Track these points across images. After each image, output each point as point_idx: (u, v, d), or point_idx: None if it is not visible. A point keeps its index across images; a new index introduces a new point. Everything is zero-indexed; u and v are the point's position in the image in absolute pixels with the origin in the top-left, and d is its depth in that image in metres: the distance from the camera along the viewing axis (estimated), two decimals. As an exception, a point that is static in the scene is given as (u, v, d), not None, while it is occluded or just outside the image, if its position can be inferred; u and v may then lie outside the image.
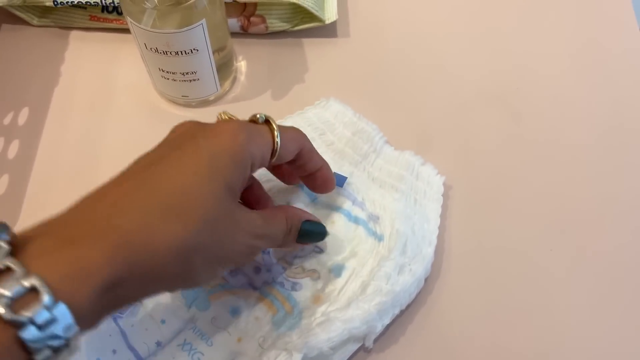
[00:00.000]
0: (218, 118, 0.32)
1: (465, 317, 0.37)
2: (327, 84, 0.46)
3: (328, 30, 0.48)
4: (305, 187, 0.35)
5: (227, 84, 0.44)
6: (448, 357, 0.35)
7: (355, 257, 0.35)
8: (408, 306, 0.35)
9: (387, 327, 0.35)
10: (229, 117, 0.32)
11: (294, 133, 0.32)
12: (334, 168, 0.38)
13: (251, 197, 0.33)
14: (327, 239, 0.34)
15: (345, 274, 0.34)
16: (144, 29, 0.36)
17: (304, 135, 0.32)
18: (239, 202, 0.29)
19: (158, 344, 0.32)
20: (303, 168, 0.33)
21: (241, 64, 0.46)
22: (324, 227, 0.33)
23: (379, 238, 0.35)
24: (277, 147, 0.30)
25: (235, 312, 0.33)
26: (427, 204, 0.38)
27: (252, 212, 0.29)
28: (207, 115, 0.44)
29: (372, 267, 0.34)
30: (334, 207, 0.37)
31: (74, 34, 0.48)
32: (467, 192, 0.41)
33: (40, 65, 0.46)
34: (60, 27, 0.48)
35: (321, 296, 0.33)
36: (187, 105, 0.44)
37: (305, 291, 0.33)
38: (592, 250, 0.39)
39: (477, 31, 0.49)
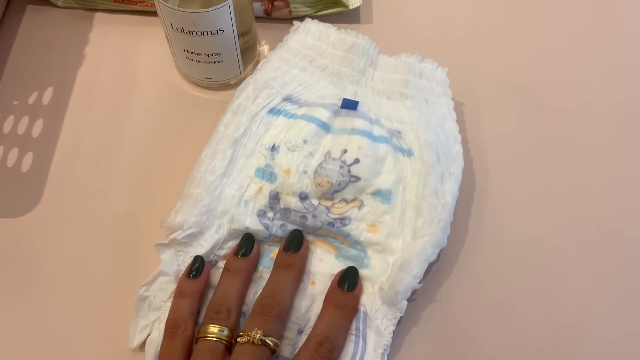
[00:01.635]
0: (250, 338, 0.31)
1: (483, 304, 0.36)
2: (350, 69, 0.46)
3: (351, 16, 0.48)
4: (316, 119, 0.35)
5: (249, 68, 0.45)
6: (465, 341, 0.35)
7: (394, 178, 0.34)
8: (424, 292, 0.35)
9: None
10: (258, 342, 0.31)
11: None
12: (335, 91, 0.37)
13: None
14: (360, 165, 0.33)
15: (394, 202, 0.33)
16: (171, 7, 0.36)
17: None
18: None
19: None
20: None
21: (264, 48, 0.46)
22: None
23: (408, 153, 0.35)
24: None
25: None
26: (438, 101, 0.37)
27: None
28: (229, 97, 0.44)
29: (416, 186, 0.34)
30: (354, 132, 0.35)
31: (99, 15, 0.48)
32: (489, 179, 0.41)
33: (64, 46, 0.47)
34: (85, 9, 0.48)
35: (376, 224, 0.33)
36: (209, 87, 0.44)
37: (355, 222, 0.33)
38: (612, 238, 0.39)
39: (501, 19, 0.48)
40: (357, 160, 0.34)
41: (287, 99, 0.37)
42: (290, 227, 0.34)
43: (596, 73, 0.46)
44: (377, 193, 0.34)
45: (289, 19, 0.47)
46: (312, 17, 0.46)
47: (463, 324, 0.36)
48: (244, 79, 0.44)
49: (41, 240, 0.39)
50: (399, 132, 0.35)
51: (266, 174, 0.35)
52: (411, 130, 0.35)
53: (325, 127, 0.35)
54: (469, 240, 0.38)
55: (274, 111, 0.37)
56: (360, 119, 0.35)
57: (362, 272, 0.33)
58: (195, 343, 0.32)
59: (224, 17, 0.37)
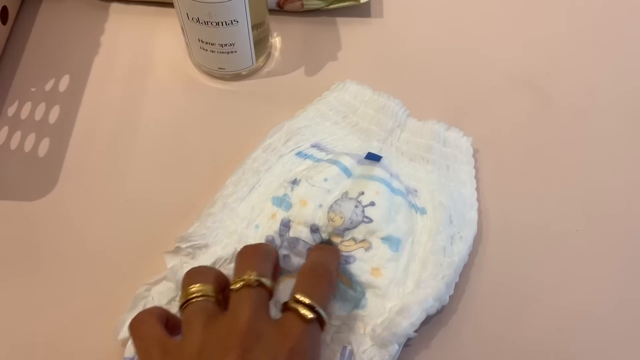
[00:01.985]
0: (245, 281, 0.29)
1: (490, 295, 0.37)
2: (359, 62, 0.47)
3: (362, 10, 0.49)
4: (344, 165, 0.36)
5: (261, 59, 0.45)
6: (474, 334, 0.36)
7: (405, 229, 0.35)
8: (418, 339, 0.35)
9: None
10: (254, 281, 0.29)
11: (329, 292, 0.30)
12: (362, 145, 0.39)
13: None
14: (375, 208, 0.33)
15: (402, 252, 0.34)
16: (187, -2, 0.37)
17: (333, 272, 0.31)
18: None
19: None
20: None
21: (276, 40, 0.47)
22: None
23: (421, 211, 0.36)
24: (326, 327, 0.29)
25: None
26: (460, 168, 0.38)
27: None
28: (241, 88, 0.45)
29: (425, 242, 0.35)
30: (373, 178, 0.36)
31: (114, 6, 0.49)
32: (496, 174, 0.41)
33: (81, 35, 0.48)
34: (101, -1, 0.49)
35: (380, 269, 0.32)
36: (222, 77, 0.45)
37: (360, 263, 0.33)
38: (618, 233, 0.39)
39: (510, 15, 0.49)
40: (372, 203, 0.34)
41: (316, 145, 0.39)
42: (294, 259, 0.34)
43: (603, 69, 0.46)
44: (386, 239, 0.33)
45: (301, 12, 0.48)
46: (324, 10, 0.48)
47: (471, 314, 0.36)
48: (255, 70, 0.45)
49: (56, 223, 0.40)
50: (416, 191, 0.37)
51: (283, 202, 0.35)
52: (427, 191, 0.37)
53: (347, 171, 0.36)
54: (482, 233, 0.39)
55: (301, 154, 0.39)
56: (381, 169, 0.37)
57: (357, 312, 0.33)
58: (181, 312, 0.29)
59: (239, 8, 0.38)
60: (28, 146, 0.43)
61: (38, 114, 0.44)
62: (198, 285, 0.29)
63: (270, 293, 0.29)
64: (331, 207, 0.34)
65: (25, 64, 0.47)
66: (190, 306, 0.28)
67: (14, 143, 0.43)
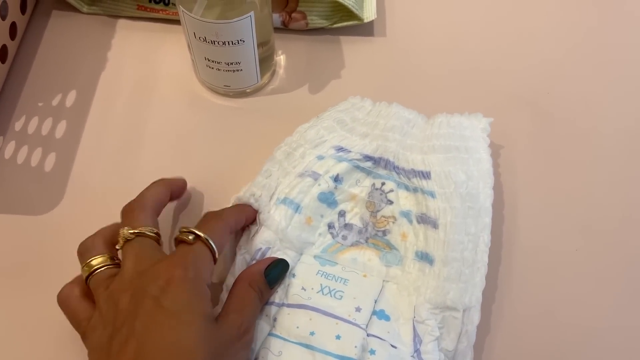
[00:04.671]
0: (178, 237, 0.33)
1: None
2: (362, 80, 0.47)
3: (365, 29, 0.50)
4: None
5: (266, 76, 0.46)
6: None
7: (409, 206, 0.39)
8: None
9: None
10: (188, 234, 0.33)
11: (218, 225, 0.34)
12: (377, 149, 0.40)
13: None
14: (392, 193, 0.39)
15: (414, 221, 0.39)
16: (195, 18, 0.37)
17: (228, 216, 0.35)
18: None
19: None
20: None
21: (281, 58, 0.48)
22: (282, 261, 0.36)
23: (431, 195, 0.38)
24: (216, 254, 0.33)
25: (355, 260, 0.38)
26: (476, 146, 0.40)
27: (226, 319, 0.31)
28: (245, 105, 0.46)
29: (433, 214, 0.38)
30: (390, 178, 0.40)
31: (121, 22, 0.50)
32: (496, 193, 0.42)
33: (88, 51, 0.48)
34: (108, 16, 0.50)
35: (404, 233, 0.39)
36: (226, 94, 0.46)
37: (392, 234, 0.39)
38: (617, 251, 0.40)
39: (511, 35, 0.50)
40: (391, 190, 0.40)
41: (339, 149, 0.41)
42: (351, 236, 0.39)
43: (603, 89, 0.47)
44: (402, 214, 0.39)
45: (305, 30, 0.49)
46: (328, 29, 0.48)
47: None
48: (260, 87, 0.46)
49: (62, 238, 0.40)
50: (429, 173, 0.39)
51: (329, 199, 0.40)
52: (441, 172, 0.39)
53: (367, 171, 0.41)
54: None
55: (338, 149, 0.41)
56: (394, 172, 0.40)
57: (394, 270, 0.38)
58: (87, 285, 0.33)
59: (246, 28, 0.38)
60: (35, 161, 0.43)
61: (45, 129, 0.45)
62: (97, 257, 0.33)
63: (154, 236, 0.33)
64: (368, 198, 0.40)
65: (32, 78, 0.47)
66: (93, 279, 0.32)
67: (20, 157, 0.43)
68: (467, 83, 0.47)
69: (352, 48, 0.49)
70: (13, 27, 0.46)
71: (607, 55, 0.49)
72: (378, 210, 0.39)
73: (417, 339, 0.35)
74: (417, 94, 0.47)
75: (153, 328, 0.28)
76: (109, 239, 0.34)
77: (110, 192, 0.42)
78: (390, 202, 0.39)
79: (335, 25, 0.48)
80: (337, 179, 0.39)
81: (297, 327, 0.34)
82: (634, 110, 0.46)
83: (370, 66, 0.48)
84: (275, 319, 0.35)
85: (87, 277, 0.33)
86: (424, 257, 0.37)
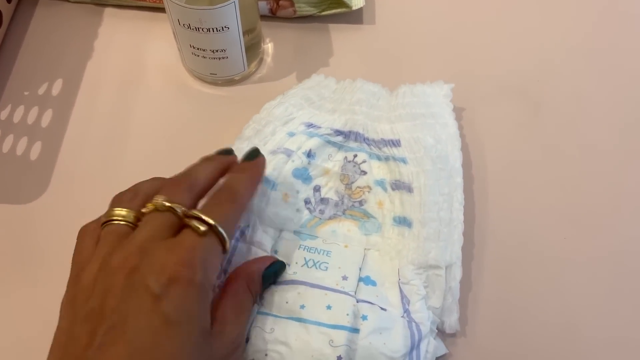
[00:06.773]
0: (155, 205, 0.29)
1: (475, 301, 0.38)
2: (351, 68, 0.47)
3: (354, 17, 0.49)
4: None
5: (253, 64, 0.46)
6: (463, 343, 0.36)
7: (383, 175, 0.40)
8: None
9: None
10: (166, 207, 0.29)
11: (233, 209, 0.31)
12: (347, 123, 0.40)
13: None
14: (365, 163, 0.40)
15: (388, 189, 0.39)
16: (178, 4, 0.37)
17: (244, 196, 0.32)
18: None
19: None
20: None
21: (268, 46, 0.48)
22: (281, 263, 0.35)
23: (403, 161, 0.38)
24: (227, 246, 0.29)
25: (334, 232, 0.38)
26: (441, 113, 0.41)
27: (224, 330, 0.29)
28: (233, 93, 0.45)
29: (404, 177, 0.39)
30: (361, 149, 0.40)
31: (108, 10, 0.50)
32: (485, 181, 0.42)
33: (74, 40, 0.48)
34: (95, 4, 0.50)
35: (380, 201, 0.39)
36: (214, 83, 0.46)
37: (369, 203, 0.39)
38: (607, 240, 0.40)
39: (501, 23, 0.50)
40: (364, 161, 0.40)
41: (309, 125, 0.41)
42: (328, 210, 0.39)
43: (593, 78, 0.47)
44: (376, 183, 0.40)
45: (293, 18, 0.48)
46: (316, 17, 0.48)
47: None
48: (248, 75, 0.46)
49: (48, 226, 0.40)
50: (399, 141, 0.39)
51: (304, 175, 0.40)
52: (410, 138, 0.39)
53: (338, 145, 0.41)
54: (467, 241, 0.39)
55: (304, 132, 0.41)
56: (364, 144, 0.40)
57: (374, 237, 0.38)
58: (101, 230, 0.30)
59: (230, 14, 0.38)
60: (20, 150, 0.43)
61: (31, 118, 0.44)
62: (124, 210, 0.30)
63: (180, 219, 0.29)
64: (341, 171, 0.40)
65: (18, 67, 0.47)
66: (107, 227, 0.30)
67: (6, 146, 0.43)
68: (456, 71, 0.47)
69: (341, 36, 0.48)
70: (-2, 16, 0.46)
71: (598, 44, 0.48)
72: (352, 182, 0.40)
73: (404, 299, 0.35)
74: (406, 81, 0.46)
75: (147, 334, 0.25)
76: (146, 200, 0.31)
77: (96, 181, 0.42)
78: (364, 173, 0.40)
79: (323, 13, 0.48)
80: (309, 155, 0.39)
81: (287, 302, 0.34)
82: (622, 100, 0.46)
83: (359, 54, 0.48)
84: (263, 297, 0.34)
85: (104, 223, 0.30)
86: (402, 222, 0.37)
